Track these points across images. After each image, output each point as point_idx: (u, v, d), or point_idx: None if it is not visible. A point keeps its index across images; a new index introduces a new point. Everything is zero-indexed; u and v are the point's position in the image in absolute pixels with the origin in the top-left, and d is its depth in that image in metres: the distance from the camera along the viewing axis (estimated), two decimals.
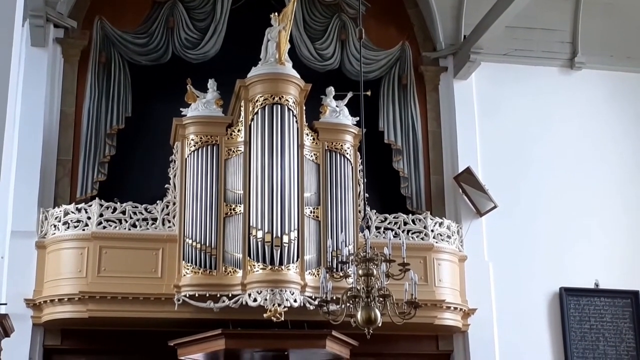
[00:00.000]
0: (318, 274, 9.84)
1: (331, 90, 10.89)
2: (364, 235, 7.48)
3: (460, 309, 10.95)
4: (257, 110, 10.29)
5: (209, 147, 10.34)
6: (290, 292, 9.75)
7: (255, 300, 9.73)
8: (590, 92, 12.69)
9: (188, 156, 10.33)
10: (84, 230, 10.12)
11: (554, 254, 11.74)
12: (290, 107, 10.34)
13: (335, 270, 7.98)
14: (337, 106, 10.81)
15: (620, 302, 11.75)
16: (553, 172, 12.17)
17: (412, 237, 10.73)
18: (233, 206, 10.15)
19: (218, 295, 9.86)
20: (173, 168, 10.44)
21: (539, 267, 11.66)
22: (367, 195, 9.79)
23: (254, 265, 9.82)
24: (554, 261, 11.72)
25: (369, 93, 10.72)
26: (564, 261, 11.76)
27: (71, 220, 10.23)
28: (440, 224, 11.09)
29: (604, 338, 11.57)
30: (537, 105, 12.43)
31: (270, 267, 9.74)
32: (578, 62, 12.66)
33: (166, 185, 10.40)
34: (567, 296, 11.60)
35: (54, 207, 10.49)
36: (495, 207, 11.49)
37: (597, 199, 12.19)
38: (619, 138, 12.57)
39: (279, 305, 9.65)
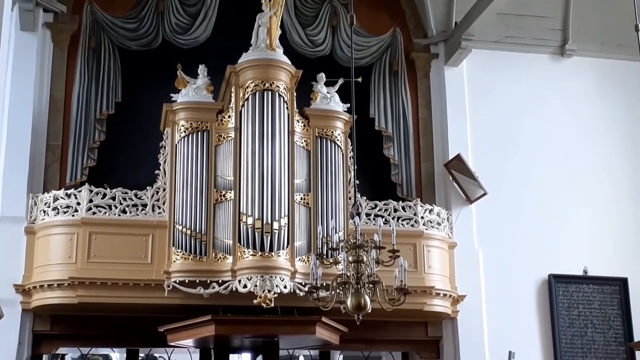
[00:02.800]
0: (308, 261, 9.85)
1: (322, 77, 10.86)
2: (354, 222, 7.46)
3: (450, 296, 10.98)
4: (248, 96, 10.25)
5: (199, 133, 10.30)
6: (280, 278, 9.75)
7: (245, 286, 9.73)
8: (581, 80, 12.70)
9: (178, 142, 10.29)
10: (73, 216, 10.08)
11: (543, 241, 11.79)
12: (281, 93, 10.30)
13: (325, 256, 8.01)
14: (328, 92, 10.79)
15: (608, 289, 11.80)
16: (543, 160, 12.19)
17: (402, 224, 10.74)
18: (223, 192, 10.13)
19: (208, 282, 9.86)
20: (163, 154, 10.41)
21: (528, 254, 11.70)
22: (357, 182, 9.79)
23: (244, 252, 9.82)
24: (543, 248, 11.77)
25: (359, 80, 10.71)
26: (553, 248, 11.80)
27: (61, 206, 10.18)
28: (430, 211, 11.10)
29: (592, 325, 11.62)
30: (527, 93, 12.44)
31: (260, 253, 9.73)
32: (569, 49, 12.68)
33: (156, 171, 10.36)
34: (556, 283, 11.65)
35: (43, 193, 10.45)
36: (485, 194, 11.50)
37: (587, 186, 12.22)
38: (608, 125, 12.59)
39: (269, 291, 9.65)
